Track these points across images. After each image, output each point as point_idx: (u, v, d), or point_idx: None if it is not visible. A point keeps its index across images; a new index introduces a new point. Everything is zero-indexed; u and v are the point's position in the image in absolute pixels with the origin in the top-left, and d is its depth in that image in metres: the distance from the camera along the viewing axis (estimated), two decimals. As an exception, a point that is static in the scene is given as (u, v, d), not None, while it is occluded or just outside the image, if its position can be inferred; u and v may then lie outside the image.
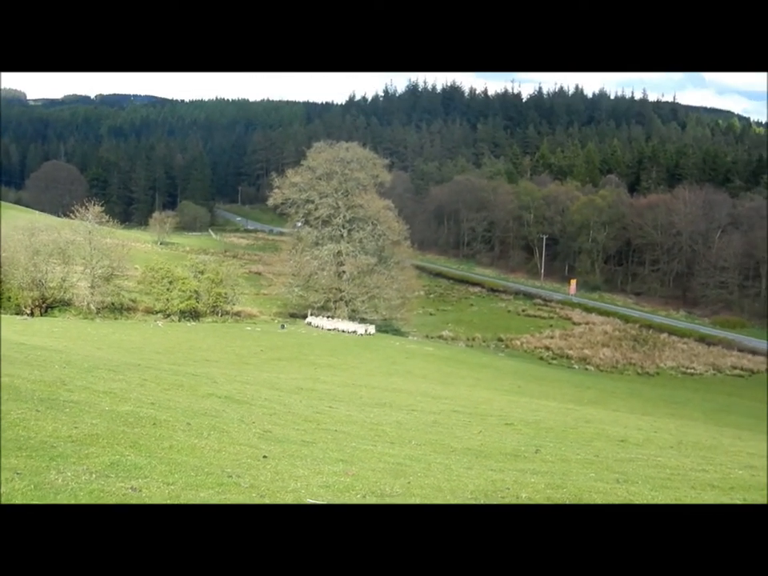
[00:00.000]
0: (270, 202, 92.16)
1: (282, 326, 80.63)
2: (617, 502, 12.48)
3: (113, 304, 77.97)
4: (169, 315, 76.39)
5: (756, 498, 14.15)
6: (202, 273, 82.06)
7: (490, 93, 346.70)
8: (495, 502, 11.74)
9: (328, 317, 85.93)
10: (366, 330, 79.13)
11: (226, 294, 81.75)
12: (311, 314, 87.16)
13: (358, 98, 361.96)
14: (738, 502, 13.50)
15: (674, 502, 12.99)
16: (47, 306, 72.58)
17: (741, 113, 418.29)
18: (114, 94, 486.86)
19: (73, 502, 8.81)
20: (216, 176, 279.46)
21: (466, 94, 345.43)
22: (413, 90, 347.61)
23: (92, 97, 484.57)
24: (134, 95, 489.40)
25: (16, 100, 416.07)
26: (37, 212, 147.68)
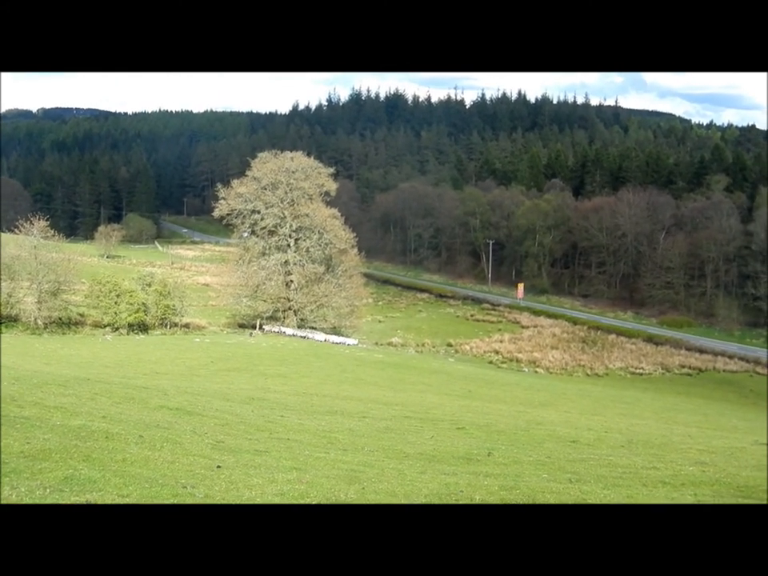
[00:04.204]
0: (216, 213, 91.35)
1: (251, 334, 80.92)
2: (569, 502, 12.59)
3: (60, 319, 77.37)
4: (117, 329, 75.86)
5: (706, 493, 14.32)
6: (149, 285, 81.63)
7: (434, 100, 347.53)
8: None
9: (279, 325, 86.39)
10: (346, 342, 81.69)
11: (174, 306, 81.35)
12: (261, 324, 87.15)
13: (301, 107, 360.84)
14: (689, 498, 13.66)
15: (625, 500, 13.14)
16: (-6, 323, 71.97)
17: (682, 115, 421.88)
18: (56, 108, 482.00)
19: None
20: (161, 188, 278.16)
21: (410, 102, 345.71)
22: (356, 98, 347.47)
23: (34, 111, 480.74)
24: (76, 109, 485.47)
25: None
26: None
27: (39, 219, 79.69)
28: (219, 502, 10.63)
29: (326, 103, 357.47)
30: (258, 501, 11.03)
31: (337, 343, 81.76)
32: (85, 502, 9.61)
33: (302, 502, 11.29)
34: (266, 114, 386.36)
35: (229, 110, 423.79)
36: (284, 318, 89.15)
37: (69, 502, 9.52)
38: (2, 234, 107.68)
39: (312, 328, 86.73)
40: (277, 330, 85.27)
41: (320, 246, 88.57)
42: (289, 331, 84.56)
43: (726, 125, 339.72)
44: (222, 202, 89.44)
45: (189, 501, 10.53)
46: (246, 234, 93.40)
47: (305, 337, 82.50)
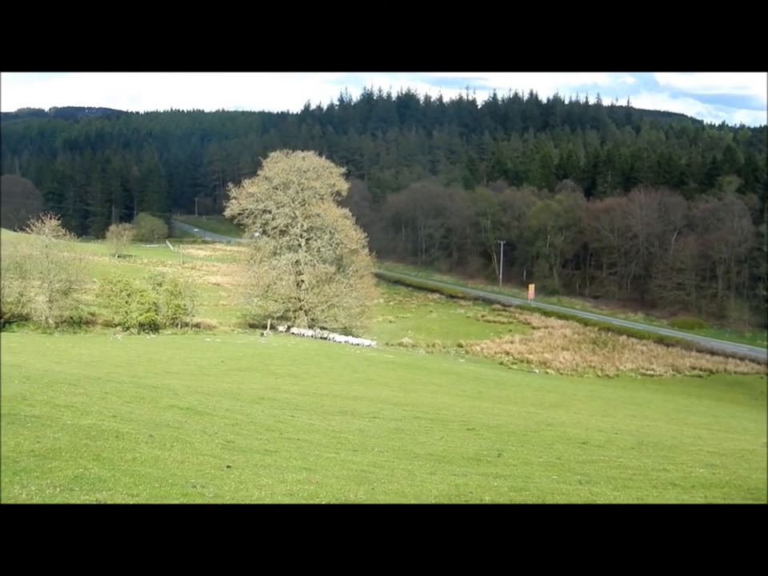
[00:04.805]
0: (227, 212, 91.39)
1: (262, 334, 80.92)
2: (579, 503, 12.57)
3: (71, 318, 77.50)
4: (128, 328, 75.99)
5: (716, 495, 14.28)
6: (160, 285, 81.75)
7: (445, 100, 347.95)
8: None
9: (288, 326, 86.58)
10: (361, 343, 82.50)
11: (184, 305, 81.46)
12: (272, 324, 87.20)
13: (313, 107, 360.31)
14: (700, 500, 13.63)
15: (635, 502, 13.12)
16: (5, 322, 72.02)
17: (694, 116, 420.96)
18: (68, 107, 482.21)
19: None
20: (172, 188, 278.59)
21: (421, 102, 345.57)
22: (368, 98, 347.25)
23: (46, 110, 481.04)
24: (88, 108, 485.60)
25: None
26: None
27: (51, 218, 79.92)
28: (229, 502, 10.64)
29: (338, 103, 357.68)
30: (268, 501, 11.03)
31: (355, 344, 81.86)
32: (95, 501, 9.62)
33: (311, 502, 11.29)
34: (277, 113, 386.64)
35: (240, 110, 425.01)
36: (295, 317, 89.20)
37: (79, 501, 9.53)
38: (15, 232, 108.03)
39: (322, 328, 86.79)
40: (297, 331, 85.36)
41: (331, 245, 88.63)
42: (308, 332, 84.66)
43: (738, 125, 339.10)
44: (233, 201, 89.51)
45: (198, 500, 10.54)
46: (257, 234, 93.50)
47: (326, 338, 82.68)
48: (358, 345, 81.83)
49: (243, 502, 10.74)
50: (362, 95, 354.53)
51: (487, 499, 12.57)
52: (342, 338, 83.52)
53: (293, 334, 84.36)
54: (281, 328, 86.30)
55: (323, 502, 11.32)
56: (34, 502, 9.24)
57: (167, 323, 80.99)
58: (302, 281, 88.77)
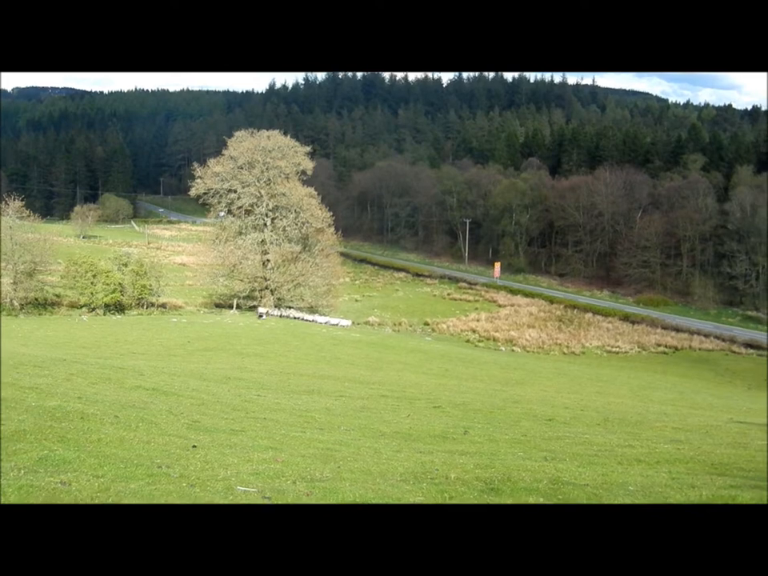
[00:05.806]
0: (192, 192, 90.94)
1: (261, 316, 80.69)
2: (545, 479, 12.63)
3: (36, 300, 77.15)
4: (94, 309, 75.66)
5: (681, 470, 14.37)
6: (125, 265, 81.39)
7: (411, 79, 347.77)
8: (425, 484, 11.84)
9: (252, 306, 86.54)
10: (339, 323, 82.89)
11: (150, 286, 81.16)
12: (262, 305, 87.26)
13: (278, 86, 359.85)
14: (664, 475, 13.72)
15: (600, 478, 13.19)
16: (-31, 304, 71.64)
17: (659, 94, 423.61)
18: (32, 87, 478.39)
19: (2, 499, 8.76)
20: (137, 168, 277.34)
21: (387, 81, 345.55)
22: (333, 77, 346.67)
23: (9, 90, 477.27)
24: (51, 88, 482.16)
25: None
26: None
27: (14, 199, 79.30)
28: (194, 482, 10.63)
29: (303, 82, 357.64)
30: (233, 480, 11.03)
31: (334, 325, 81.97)
32: (59, 483, 9.60)
33: (277, 481, 11.30)
34: (242, 92, 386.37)
35: (205, 89, 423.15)
36: (261, 297, 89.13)
37: (44, 483, 9.50)
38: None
39: (289, 307, 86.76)
40: (277, 312, 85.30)
41: (297, 225, 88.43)
42: (295, 314, 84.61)
43: (702, 104, 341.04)
44: (198, 181, 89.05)
45: (164, 480, 10.52)
46: (222, 214, 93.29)
47: (312, 320, 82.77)
48: (337, 325, 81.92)
49: (209, 482, 10.74)
50: (327, 74, 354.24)
51: (453, 476, 12.61)
52: (322, 319, 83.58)
53: (279, 316, 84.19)
54: (261, 310, 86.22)
55: (289, 481, 11.34)
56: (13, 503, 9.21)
57: (133, 304, 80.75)
58: (268, 260, 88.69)
